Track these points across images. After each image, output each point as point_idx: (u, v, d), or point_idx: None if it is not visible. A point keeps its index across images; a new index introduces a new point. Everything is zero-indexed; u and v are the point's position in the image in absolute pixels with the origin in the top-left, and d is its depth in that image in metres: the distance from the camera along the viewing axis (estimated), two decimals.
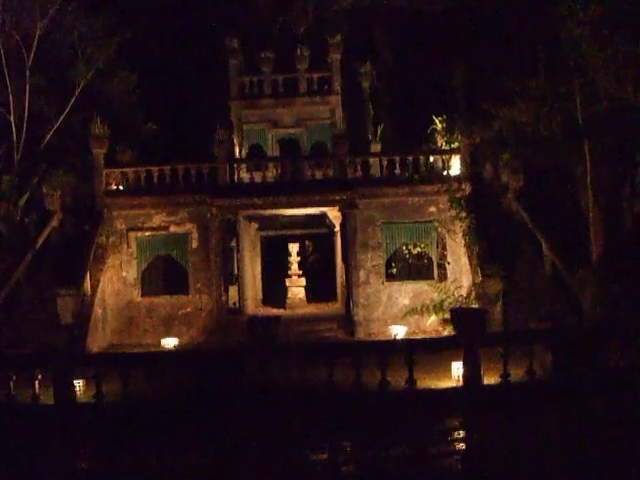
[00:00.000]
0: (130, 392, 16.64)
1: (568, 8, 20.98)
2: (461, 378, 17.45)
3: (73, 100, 29.23)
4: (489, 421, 16.25)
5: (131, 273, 28.07)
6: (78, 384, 17.67)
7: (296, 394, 16.50)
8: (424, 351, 17.85)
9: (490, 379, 17.23)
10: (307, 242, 37.71)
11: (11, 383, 16.90)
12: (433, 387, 17.73)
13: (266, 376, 16.69)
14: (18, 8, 28.19)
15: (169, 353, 22.10)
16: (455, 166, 27.90)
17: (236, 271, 29.60)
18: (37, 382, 16.95)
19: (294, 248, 32.34)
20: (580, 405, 16.00)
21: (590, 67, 21.51)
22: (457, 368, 17.84)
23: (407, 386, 16.76)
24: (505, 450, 14.87)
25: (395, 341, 22.75)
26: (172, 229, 28.18)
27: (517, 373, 17.10)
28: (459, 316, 18.12)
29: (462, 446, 15.76)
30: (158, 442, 15.78)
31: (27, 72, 28.13)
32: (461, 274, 27.37)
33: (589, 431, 15.29)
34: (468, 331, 17.37)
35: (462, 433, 16.03)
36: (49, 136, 28.91)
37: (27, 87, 28.10)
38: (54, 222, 26.91)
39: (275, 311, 30.19)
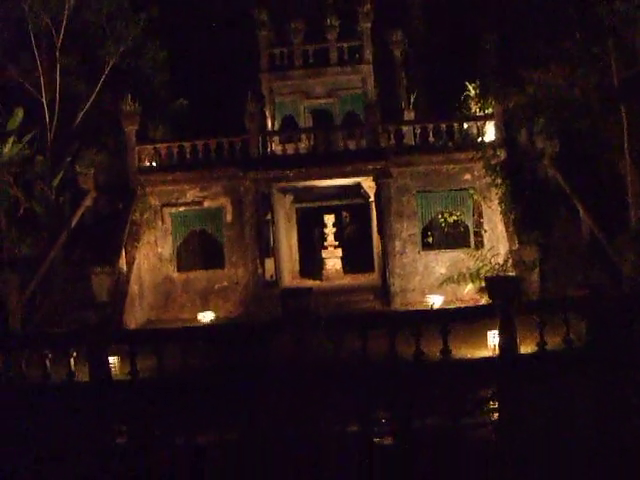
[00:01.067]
0: (164, 368, 16.71)
1: None
2: (497, 347, 17.22)
3: (103, 78, 29.22)
4: (523, 391, 16.05)
5: (166, 249, 28.19)
6: (113, 361, 17.76)
7: (329, 365, 16.44)
8: (459, 321, 17.63)
9: (527, 347, 16.98)
10: (344, 213, 37.59)
11: (47, 361, 17.08)
12: (469, 356, 17.58)
13: (299, 348, 16.65)
14: None
15: (200, 328, 22.14)
16: (490, 132, 27.47)
17: (272, 244, 29.58)
18: (72, 360, 17.10)
19: (330, 219, 32.25)
20: (616, 375, 15.69)
21: (625, 26, 20.95)
22: (493, 337, 17.62)
23: (442, 356, 16.60)
24: (539, 421, 14.67)
25: (429, 311, 22.55)
26: (206, 204, 28.19)
27: (554, 341, 16.82)
28: (494, 285, 17.81)
29: (496, 416, 15.64)
30: (190, 418, 15.83)
31: (57, 53, 28.13)
32: (498, 242, 27.05)
33: (625, 403, 15.00)
34: (503, 300, 17.10)
35: (497, 403, 15.89)
36: (81, 115, 28.96)
37: (58, 67, 28.11)
38: (88, 201, 27.11)
39: (311, 283, 30.25)
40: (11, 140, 25.97)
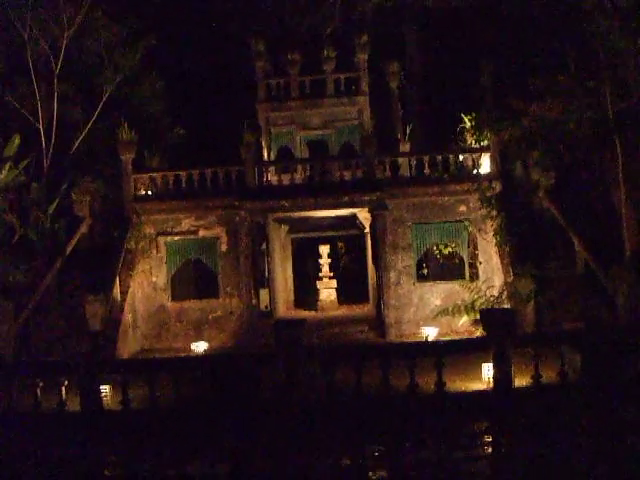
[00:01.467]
0: (156, 398, 16.58)
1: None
2: (491, 380, 17.14)
3: (101, 106, 29.36)
4: (518, 424, 15.95)
5: (161, 278, 28.08)
6: (105, 390, 17.59)
7: (322, 397, 16.33)
8: (453, 353, 17.60)
9: (522, 380, 16.90)
10: (340, 244, 37.60)
11: (38, 390, 16.92)
12: (463, 389, 17.49)
13: (292, 379, 16.54)
14: (46, 17, 28.24)
15: (194, 359, 22.00)
16: (485, 164, 27.54)
17: (267, 274, 29.49)
18: (64, 389, 16.94)
19: (325, 250, 32.25)
20: (611, 409, 15.61)
21: (620, 60, 21.09)
22: (487, 369, 17.53)
23: (436, 389, 16.51)
24: (533, 454, 14.54)
25: (424, 343, 22.48)
26: (201, 233, 28.13)
27: (549, 374, 16.76)
28: (488, 317, 17.78)
29: (491, 450, 15.52)
30: (181, 448, 15.69)
31: (55, 80, 28.22)
32: (493, 274, 27.03)
33: (621, 436, 14.90)
34: (498, 332, 17.05)
35: (491, 437, 15.77)
36: (78, 143, 29.00)
37: (55, 95, 28.18)
38: (83, 228, 27.02)
39: (306, 313, 30.18)
40: (7, 166, 25.94)
